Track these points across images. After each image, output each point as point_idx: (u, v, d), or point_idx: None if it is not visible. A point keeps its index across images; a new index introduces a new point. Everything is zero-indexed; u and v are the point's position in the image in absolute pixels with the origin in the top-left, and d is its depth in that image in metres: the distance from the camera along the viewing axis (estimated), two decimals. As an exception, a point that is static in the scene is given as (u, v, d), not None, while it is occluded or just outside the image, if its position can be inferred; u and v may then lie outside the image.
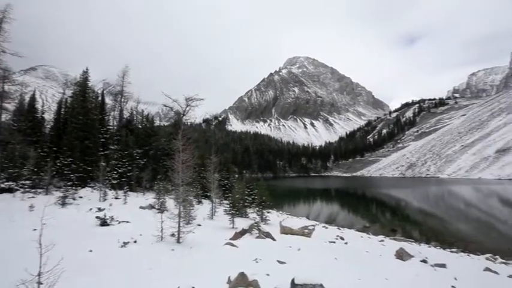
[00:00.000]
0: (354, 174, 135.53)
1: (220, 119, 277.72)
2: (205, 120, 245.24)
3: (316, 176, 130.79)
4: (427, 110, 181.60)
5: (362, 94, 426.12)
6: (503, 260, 11.92)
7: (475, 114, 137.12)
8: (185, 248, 7.59)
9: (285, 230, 10.65)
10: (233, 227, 13.44)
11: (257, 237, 8.81)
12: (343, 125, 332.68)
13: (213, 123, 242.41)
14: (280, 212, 25.70)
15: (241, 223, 11.27)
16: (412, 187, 61.33)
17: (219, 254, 7.10)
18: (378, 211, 33.08)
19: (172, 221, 8.43)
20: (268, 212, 17.94)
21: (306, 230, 10.53)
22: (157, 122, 40.77)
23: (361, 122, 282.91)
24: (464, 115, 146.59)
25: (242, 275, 4.68)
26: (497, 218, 27.15)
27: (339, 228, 17.36)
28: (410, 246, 11.43)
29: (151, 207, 16.30)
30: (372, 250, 9.95)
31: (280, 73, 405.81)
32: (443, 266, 8.49)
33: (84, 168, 21.66)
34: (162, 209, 10.49)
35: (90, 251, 6.56)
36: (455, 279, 6.77)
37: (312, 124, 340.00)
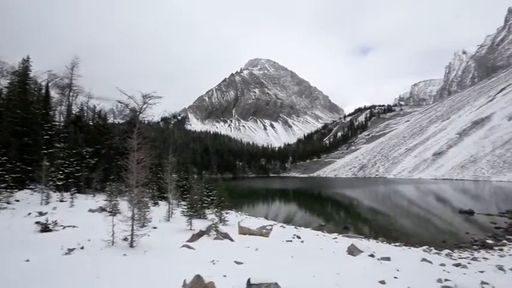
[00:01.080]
0: (311, 174, 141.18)
1: (179, 118, 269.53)
2: (164, 119, 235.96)
3: (275, 177, 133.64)
4: (377, 116, 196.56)
5: (319, 98, 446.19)
6: (437, 251, 13.35)
7: (416, 121, 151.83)
8: (139, 253, 7.20)
9: (243, 231, 10.69)
10: (191, 229, 13.12)
11: (215, 238, 8.71)
12: (302, 127, 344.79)
13: (172, 122, 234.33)
14: (239, 212, 25.76)
15: (200, 224, 11.05)
16: (363, 187, 65.76)
17: (175, 257, 6.87)
18: (333, 210, 34.88)
19: (125, 224, 7.94)
20: (227, 213, 17.86)
21: (264, 230, 10.69)
22: (111, 119, 38.20)
23: (318, 125, 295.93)
24: (408, 121, 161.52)
25: (198, 278, 4.58)
26: (433, 213, 30.36)
27: (296, 228, 17.93)
28: (360, 242, 12.16)
29: (101, 209, 15.20)
30: (326, 247, 10.45)
31: (242, 74, 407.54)
32: (388, 259, 9.24)
33: (22, 168, 19.36)
34: (114, 211, 9.83)
35: (27, 260, 5.85)
36: (398, 270, 7.44)
37: (272, 125, 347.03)
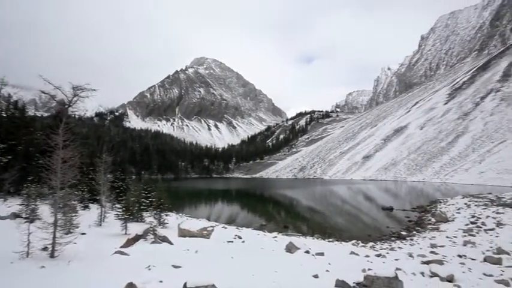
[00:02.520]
0: (254, 175, 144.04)
1: (117, 114, 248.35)
2: (99, 114, 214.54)
3: (218, 178, 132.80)
4: (316, 120, 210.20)
5: (264, 101, 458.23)
6: (363, 244, 14.88)
7: (350, 127, 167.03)
8: (61, 264, 6.40)
9: (183, 233, 10.36)
10: (125, 233, 12.21)
11: (152, 242, 8.25)
12: (246, 129, 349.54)
13: (108, 118, 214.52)
14: (180, 214, 24.89)
15: (136, 228, 10.35)
16: (302, 187, 69.61)
17: (105, 265, 6.30)
18: (274, 210, 36.15)
19: (46, 232, 6.98)
20: (166, 215, 17.09)
21: (205, 232, 10.53)
22: (31, 111, 33.17)
23: (262, 127, 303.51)
24: (343, 127, 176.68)
25: (131, 286, 4.28)
26: (361, 210, 33.73)
27: (237, 228, 18.07)
28: (298, 240, 12.83)
29: (15, 216, 13.11)
30: (266, 246, 10.78)
31: (187, 72, 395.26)
32: (322, 254, 9.96)
33: None
34: (31, 217, 8.45)
35: None
36: (329, 264, 8.10)
37: (216, 126, 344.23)
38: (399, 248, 13.70)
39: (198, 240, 9.29)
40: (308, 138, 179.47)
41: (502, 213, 19.09)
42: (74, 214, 9.28)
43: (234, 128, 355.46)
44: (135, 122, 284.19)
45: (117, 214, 13.89)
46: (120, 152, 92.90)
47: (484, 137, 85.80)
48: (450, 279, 7.87)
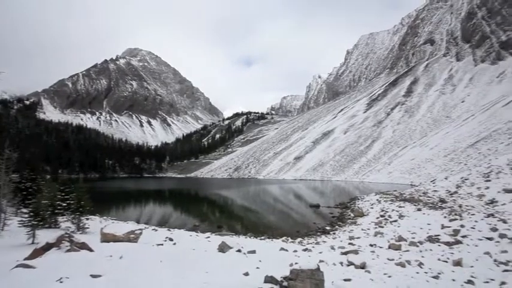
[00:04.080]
0: (188, 175, 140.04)
1: (27, 102, 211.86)
2: (3, 102, 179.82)
3: (150, 177, 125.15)
4: (252, 121, 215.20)
5: (201, 99, 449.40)
6: (292, 240, 15.82)
7: (283, 129, 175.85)
8: None
9: (107, 238, 9.44)
10: (33, 243, 10.52)
11: (68, 250, 7.28)
12: (181, 127, 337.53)
13: (15, 107, 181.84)
14: (105, 217, 22.64)
15: (48, 235, 8.99)
16: (237, 187, 70.44)
17: (3, 283, 5.30)
18: (208, 210, 35.71)
19: None
20: (87, 219, 15.34)
21: (132, 235, 9.78)
22: None
23: (198, 126, 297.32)
24: (277, 129, 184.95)
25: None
26: (291, 208, 35.83)
27: (169, 230, 17.28)
28: (231, 239, 12.92)
29: None
30: (199, 247, 10.57)
31: (118, 62, 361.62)
32: (254, 252, 10.22)
33: None
34: None
35: None
36: (260, 261, 8.38)
37: (149, 123, 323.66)
38: (323, 242, 14.96)
39: (124, 245, 8.56)
40: (244, 138, 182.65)
41: (403, 207, 22.52)
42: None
43: (169, 125, 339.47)
44: (51, 113, 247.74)
45: (21, 220, 11.84)
46: (30, 147, 79.70)
47: (392, 142, 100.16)
48: (363, 266, 8.97)
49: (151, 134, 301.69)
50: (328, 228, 19.68)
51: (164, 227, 19.42)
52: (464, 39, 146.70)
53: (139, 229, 10.72)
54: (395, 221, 18.15)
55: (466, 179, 31.93)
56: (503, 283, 7.09)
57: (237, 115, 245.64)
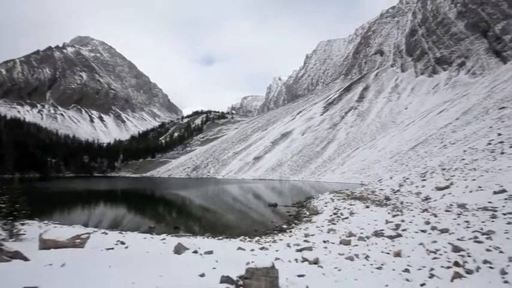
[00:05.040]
0: (144, 174, 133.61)
1: None
2: None
3: (102, 177, 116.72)
4: (212, 120, 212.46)
5: (159, 96, 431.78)
6: (250, 239, 15.95)
7: (243, 129, 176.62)
8: None
9: (48, 244, 8.57)
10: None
11: (-3, 260, 6.45)
12: (137, 124, 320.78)
13: None
14: (46, 221, 20.51)
15: (-29, 244, 7.87)
16: (195, 187, 68.97)
17: None
18: (165, 210, 34.39)
19: None
20: (23, 224, 13.72)
21: (78, 240, 9.02)
22: None
23: (155, 123, 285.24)
24: (237, 128, 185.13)
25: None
26: (250, 207, 36.13)
27: (121, 233, 16.27)
28: (188, 241, 12.61)
29: None
30: (153, 250, 10.14)
31: (65, 50, 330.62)
32: (211, 252, 10.10)
33: None
34: None
35: None
36: (217, 261, 8.32)
37: (101, 118, 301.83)
38: (280, 240, 15.34)
39: (68, 251, 7.86)
40: (203, 137, 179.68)
41: (354, 204, 24.08)
42: None
43: (123, 122, 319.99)
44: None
45: None
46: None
47: (345, 144, 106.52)
48: (316, 261, 9.41)
49: (104, 130, 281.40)
50: (285, 226, 20.22)
51: (116, 230, 18.24)
52: (408, 53, 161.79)
53: (87, 233, 9.91)
54: (346, 218, 19.30)
55: (407, 179, 35.19)
56: (432, 269, 7.98)
57: (196, 113, 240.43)
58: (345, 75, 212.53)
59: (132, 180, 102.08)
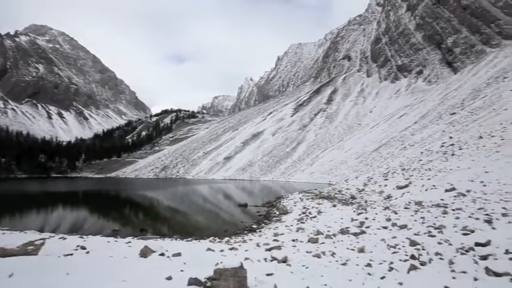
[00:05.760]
0: (109, 175, 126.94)
1: None
2: None
3: (61, 177, 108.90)
4: (182, 119, 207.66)
5: (125, 92, 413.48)
6: (219, 240, 15.84)
7: (214, 129, 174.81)
8: None
9: (-5, 252, 7.82)
10: None
11: None
12: (101, 122, 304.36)
13: None
14: (-7, 227, 18.71)
15: None
16: (164, 187, 66.92)
17: None
18: (131, 212, 32.95)
19: None
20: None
21: (31, 247, 8.33)
22: None
23: (122, 121, 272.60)
24: (208, 128, 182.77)
25: None
26: (220, 207, 35.86)
27: (81, 237, 15.31)
28: (155, 243, 12.19)
29: None
30: (117, 254, 9.68)
31: (17, 39, 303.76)
32: (179, 254, 9.87)
33: None
34: None
35: None
36: (185, 263, 8.15)
37: (61, 115, 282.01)
38: (250, 240, 15.40)
39: (18, 260, 7.23)
40: (173, 137, 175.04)
41: (322, 204, 24.88)
42: None
43: (86, 119, 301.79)
44: None
45: None
46: None
47: (314, 145, 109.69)
48: (284, 260, 9.58)
49: (63, 128, 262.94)
50: (255, 226, 20.35)
51: (76, 235, 17.12)
52: (373, 59, 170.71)
53: (41, 239, 9.19)
54: (314, 217, 19.89)
55: (371, 178, 37.09)
56: (391, 262, 8.51)
57: (166, 112, 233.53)
58: (315, 78, 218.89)
59: (96, 181, 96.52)
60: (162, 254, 9.33)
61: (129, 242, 13.80)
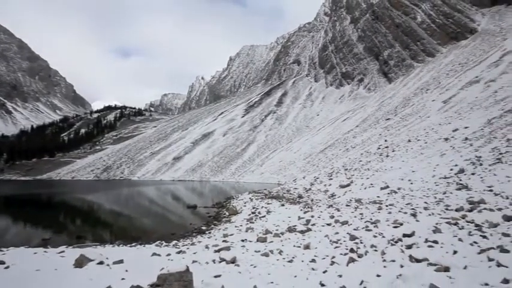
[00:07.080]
0: (39, 177, 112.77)
1: None
2: None
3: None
4: (127, 117, 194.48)
5: (61, 85, 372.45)
6: (166, 243, 15.18)
7: (162, 128, 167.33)
8: None
9: None
10: None
11: None
12: (30, 116, 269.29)
13: None
14: None
15: None
16: (106, 190, 61.80)
17: None
18: (66, 218, 29.67)
19: None
20: None
21: None
22: None
23: (57, 117, 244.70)
24: (156, 127, 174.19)
25: None
26: (168, 210, 34.43)
27: (1, 251, 13.30)
28: (93, 251, 11.18)
29: None
30: (46, 266, 8.61)
31: None
32: (120, 261, 9.18)
33: None
34: None
35: None
36: (127, 271, 7.63)
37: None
38: (199, 242, 15.06)
39: None
40: (116, 135, 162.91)
41: (271, 203, 25.54)
42: None
43: (9, 112, 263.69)
44: None
45: None
46: None
47: (264, 146, 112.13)
48: (233, 260, 9.58)
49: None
50: (204, 228, 19.98)
51: (-7, 247, 14.78)
52: (320, 65, 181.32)
53: None
54: (263, 216, 20.30)
55: (317, 178, 39.28)
56: (333, 257, 9.13)
57: (109, 108, 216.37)
58: (266, 80, 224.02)
59: (22, 184, 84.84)
60: (101, 263, 8.59)
61: (62, 251, 12.40)
